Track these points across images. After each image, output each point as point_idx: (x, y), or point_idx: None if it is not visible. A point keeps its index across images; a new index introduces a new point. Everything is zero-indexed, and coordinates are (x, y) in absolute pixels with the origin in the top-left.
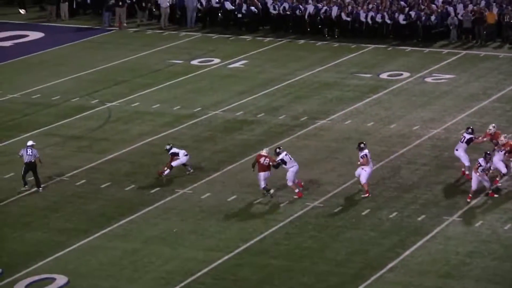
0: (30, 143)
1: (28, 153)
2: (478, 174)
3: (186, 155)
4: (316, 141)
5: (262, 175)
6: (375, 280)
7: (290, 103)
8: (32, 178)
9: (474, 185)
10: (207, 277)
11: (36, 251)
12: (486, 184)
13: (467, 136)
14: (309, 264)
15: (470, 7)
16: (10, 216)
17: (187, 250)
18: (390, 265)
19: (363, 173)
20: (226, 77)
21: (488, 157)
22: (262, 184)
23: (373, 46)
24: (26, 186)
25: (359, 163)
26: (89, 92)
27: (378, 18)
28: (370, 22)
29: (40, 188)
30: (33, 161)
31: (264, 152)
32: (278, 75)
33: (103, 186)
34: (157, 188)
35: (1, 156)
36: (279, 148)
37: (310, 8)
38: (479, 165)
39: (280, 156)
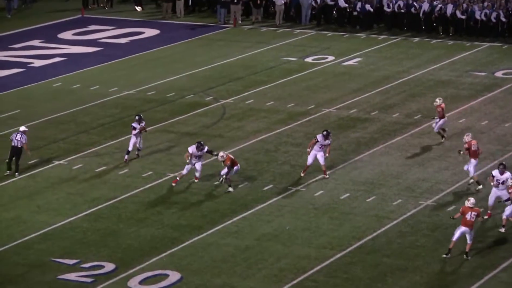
0: (22, 128)
1: (16, 138)
2: None
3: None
4: (430, 139)
5: None
6: (489, 279)
7: (404, 101)
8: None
9: None
10: (319, 274)
11: (150, 247)
12: None
13: None
14: (422, 263)
15: None
16: (125, 212)
17: (299, 248)
18: (504, 265)
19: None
20: (340, 75)
21: None
22: None
23: (488, 44)
24: (8, 172)
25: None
26: (203, 89)
27: (493, 16)
28: (485, 19)
29: (17, 174)
30: (19, 146)
31: None
32: (392, 73)
33: (216, 183)
34: (270, 185)
35: (118, 152)
36: None
37: (425, 6)
38: None
39: None
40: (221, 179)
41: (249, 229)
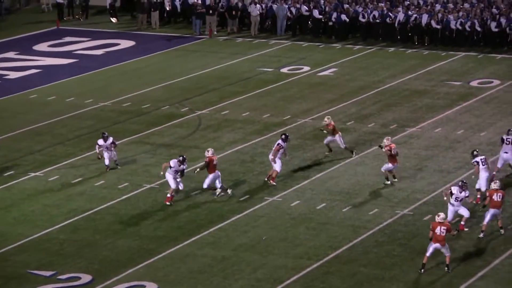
0: None
1: None
2: None
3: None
4: (406, 149)
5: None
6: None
7: (379, 111)
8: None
9: None
10: (296, 285)
11: (127, 258)
12: None
13: None
14: (398, 272)
15: None
16: (101, 224)
17: (276, 258)
18: (480, 273)
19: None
20: (316, 85)
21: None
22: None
23: (463, 53)
24: None
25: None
26: (179, 100)
27: (468, 25)
28: (460, 28)
29: None
30: None
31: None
32: (367, 83)
33: (193, 193)
34: (247, 196)
35: (94, 164)
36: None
37: (400, 16)
38: None
39: None
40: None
41: (225, 239)
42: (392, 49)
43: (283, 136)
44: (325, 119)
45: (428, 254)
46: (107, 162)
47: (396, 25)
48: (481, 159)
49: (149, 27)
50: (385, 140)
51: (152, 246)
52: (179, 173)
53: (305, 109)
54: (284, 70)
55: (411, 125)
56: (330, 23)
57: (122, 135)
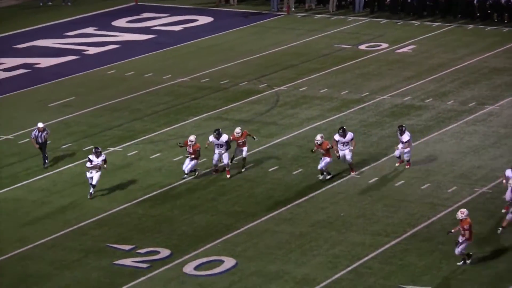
0: (41, 125)
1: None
2: None
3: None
4: (485, 127)
5: None
6: None
7: (458, 89)
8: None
9: None
10: (374, 262)
11: (204, 233)
12: None
13: None
14: (476, 250)
15: None
16: (179, 199)
17: (354, 235)
18: None
19: None
20: (394, 62)
21: None
22: None
23: None
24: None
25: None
26: (257, 76)
27: None
28: None
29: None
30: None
31: None
32: (446, 60)
33: (270, 169)
34: (325, 173)
35: (172, 139)
36: None
37: None
38: None
39: None
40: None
41: (303, 216)
42: (471, 26)
43: (340, 131)
44: (318, 137)
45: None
46: (94, 181)
47: (475, 2)
48: None
49: (227, 4)
50: (318, 137)
51: (230, 221)
52: (221, 146)
53: (383, 86)
54: (362, 47)
55: (490, 102)
56: (409, 0)
57: (200, 111)
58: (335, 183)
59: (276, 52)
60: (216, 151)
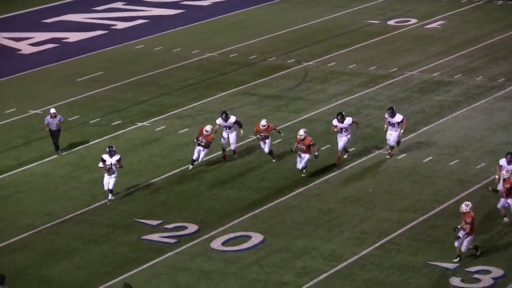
0: (53, 110)
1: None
2: None
3: None
4: None
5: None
6: None
7: (487, 64)
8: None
9: None
10: (402, 238)
11: (232, 209)
12: None
13: None
14: (503, 227)
15: None
16: (207, 174)
17: (381, 211)
18: None
19: None
20: (423, 38)
21: None
22: None
23: None
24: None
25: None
26: (285, 51)
27: None
28: None
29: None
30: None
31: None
32: (475, 36)
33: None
34: (352, 148)
35: (200, 114)
36: None
37: None
38: None
39: None
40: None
41: (331, 191)
42: (500, 2)
43: (339, 117)
44: (301, 131)
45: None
46: (106, 186)
47: None
48: None
49: None
50: (302, 131)
51: (258, 197)
52: (229, 128)
53: (411, 62)
54: (391, 22)
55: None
56: None
57: (228, 86)
58: (363, 158)
59: (305, 27)
60: (224, 133)
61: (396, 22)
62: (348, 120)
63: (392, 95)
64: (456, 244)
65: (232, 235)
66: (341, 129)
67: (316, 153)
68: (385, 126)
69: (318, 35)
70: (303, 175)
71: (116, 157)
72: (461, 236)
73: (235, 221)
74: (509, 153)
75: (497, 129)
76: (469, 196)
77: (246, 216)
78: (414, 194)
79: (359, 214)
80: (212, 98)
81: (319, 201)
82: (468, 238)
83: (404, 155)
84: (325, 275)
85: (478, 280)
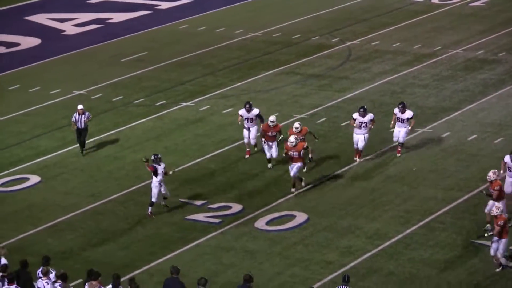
0: (80, 107)
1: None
2: None
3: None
4: None
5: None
6: None
7: None
8: None
9: None
10: (447, 216)
11: (276, 189)
12: None
13: None
14: None
15: None
16: (251, 154)
17: (426, 189)
18: None
19: None
20: (467, 16)
21: None
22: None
23: None
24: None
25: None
26: (329, 30)
27: None
28: None
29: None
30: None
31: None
32: None
33: (342, 124)
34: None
35: (244, 94)
36: None
37: None
38: None
39: None
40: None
41: (375, 170)
42: None
43: (361, 110)
44: (296, 124)
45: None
46: (154, 197)
47: None
48: None
49: None
50: (297, 124)
51: (301, 176)
52: (251, 121)
53: (456, 40)
54: (435, 0)
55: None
56: None
57: (271, 65)
58: (407, 137)
59: (348, 6)
60: (246, 125)
61: (440, 0)
62: (370, 116)
63: (436, 73)
64: (491, 252)
65: (276, 214)
66: (360, 124)
67: (310, 156)
68: (392, 122)
69: (362, 14)
70: (302, 185)
71: (162, 165)
72: (494, 240)
73: (280, 200)
74: None
75: None
76: None
77: (290, 196)
78: (459, 173)
79: (403, 193)
80: (256, 77)
81: (363, 180)
82: (502, 244)
83: (448, 133)
84: (369, 254)
85: None
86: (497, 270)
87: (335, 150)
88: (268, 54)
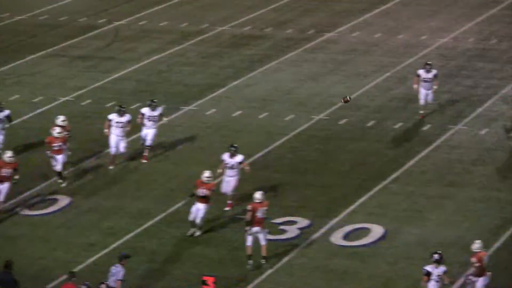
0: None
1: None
2: None
3: None
4: (323, 54)
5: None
6: (378, 191)
7: (297, 17)
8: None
9: None
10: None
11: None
12: None
13: None
14: (313, 176)
15: None
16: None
17: (191, 167)
18: (393, 176)
19: None
20: None
21: None
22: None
23: None
24: None
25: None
26: (96, 11)
27: None
28: None
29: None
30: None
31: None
32: None
33: (108, 105)
34: (164, 105)
35: (7, 78)
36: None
37: None
38: None
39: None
40: None
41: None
42: None
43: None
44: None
45: (248, 243)
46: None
47: None
48: None
49: None
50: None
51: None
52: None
53: (223, 17)
54: None
55: (328, 29)
56: None
57: (37, 48)
58: (176, 114)
59: None
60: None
61: None
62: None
63: (203, 51)
64: None
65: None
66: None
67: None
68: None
69: None
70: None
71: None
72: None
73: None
74: None
75: (306, 81)
76: (278, 148)
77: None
78: (224, 150)
79: (168, 172)
80: (21, 61)
81: (130, 162)
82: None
83: (213, 110)
84: (132, 234)
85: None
86: None
87: (100, 132)
88: (34, 37)
